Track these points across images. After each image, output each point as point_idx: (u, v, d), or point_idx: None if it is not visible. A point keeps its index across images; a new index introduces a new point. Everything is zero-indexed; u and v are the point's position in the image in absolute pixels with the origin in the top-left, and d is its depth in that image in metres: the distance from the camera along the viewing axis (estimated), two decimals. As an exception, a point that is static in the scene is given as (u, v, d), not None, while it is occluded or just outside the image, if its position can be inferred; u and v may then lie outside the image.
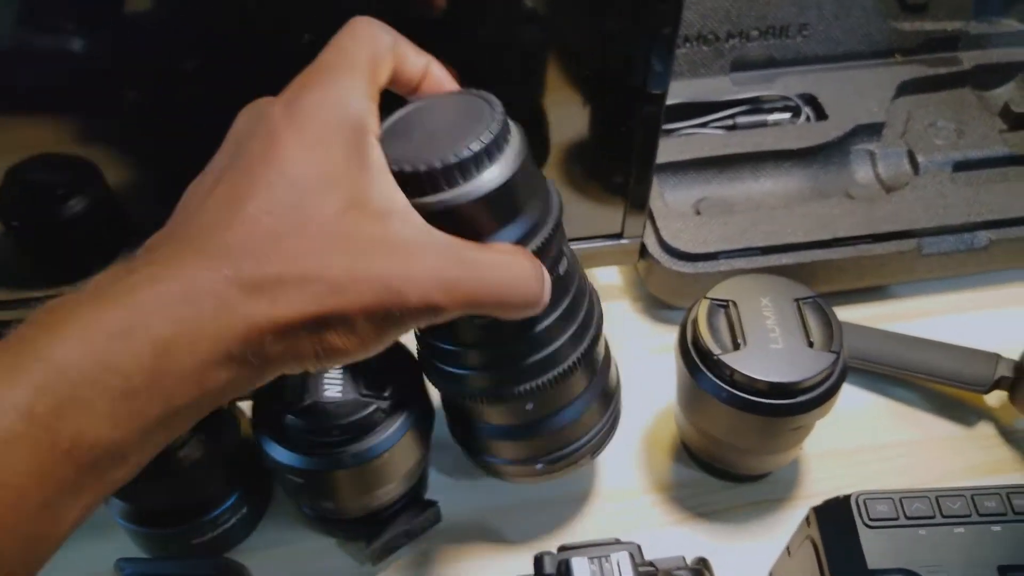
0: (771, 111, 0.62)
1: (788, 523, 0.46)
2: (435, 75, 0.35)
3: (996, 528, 0.37)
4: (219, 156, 0.31)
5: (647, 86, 0.46)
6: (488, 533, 0.48)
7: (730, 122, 0.62)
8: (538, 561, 0.38)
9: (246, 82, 0.43)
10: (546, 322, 0.38)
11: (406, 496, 0.46)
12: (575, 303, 0.39)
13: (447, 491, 0.50)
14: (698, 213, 0.59)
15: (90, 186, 0.46)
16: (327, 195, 0.28)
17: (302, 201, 0.28)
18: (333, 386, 0.41)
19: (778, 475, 0.50)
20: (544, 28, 0.44)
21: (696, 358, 0.44)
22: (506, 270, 0.32)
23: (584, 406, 0.44)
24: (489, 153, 0.32)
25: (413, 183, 0.31)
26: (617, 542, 0.39)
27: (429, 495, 0.49)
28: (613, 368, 0.47)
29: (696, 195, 0.60)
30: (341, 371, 0.42)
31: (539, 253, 0.34)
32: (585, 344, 0.40)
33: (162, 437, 0.27)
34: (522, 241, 0.34)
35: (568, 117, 0.48)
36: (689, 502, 0.49)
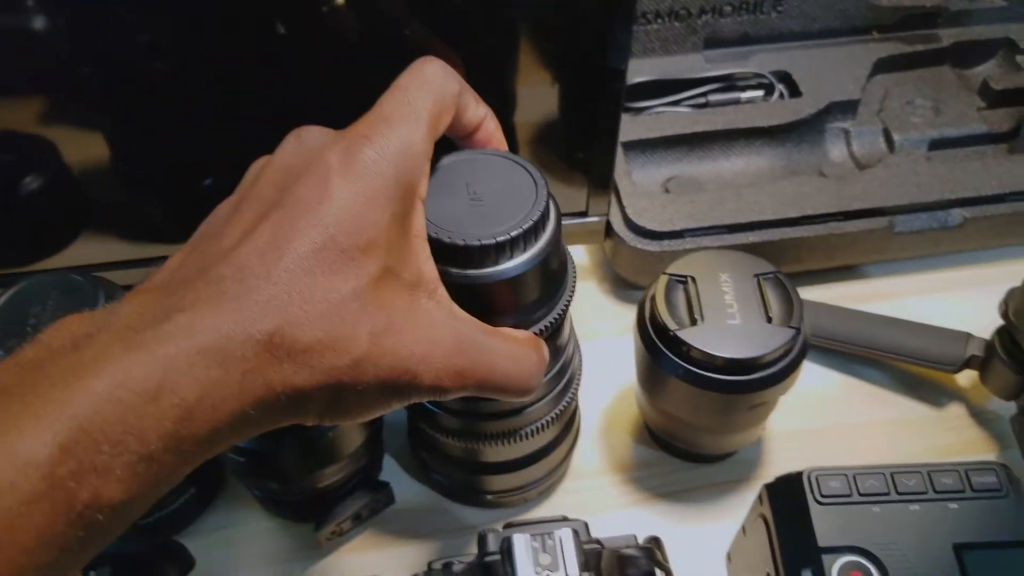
0: (744, 88, 0.61)
1: (750, 504, 0.45)
2: (488, 128, 0.35)
3: (953, 505, 0.36)
4: (262, 184, 0.29)
5: (607, 61, 0.45)
6: (442, 515, 0.47)
7: (702, 100, 0.61)
8: (482, 538, 0.37)
9: (206, 59, 0.43)
10: None
11: (357, 477, 0.45)
12: (563, 367, 0.41)
13: (402, 472, 0.49)
14: (667, 192, 0.58)
15: (47, 164, 0.46)
16: (366, 260, 0.28)
17: (342, 264, 0.27)
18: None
19: (742, 455, 0.49)
20: (503, 3, 0.43)
21: (653, 335, 0.43)
22: (514, 362, 0.32)
23: (545, 454, 0.45)
24: (526, 239, 0.32)
25: (445, 252, 0.31)
26: (564, 519, 0.38)
27: (384, 477, 0.48)
28: (578, 417, 0.47)
29: (665, 174, 0.59)
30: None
31: (546, 330, 0.35)
32: (562, 404, 0.42)
33: (164, 490, 0.26)
34: (533, 320, 0.35)
35: (529, 93, 0.47)
36: (651, 482, 0.48)
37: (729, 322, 0.41)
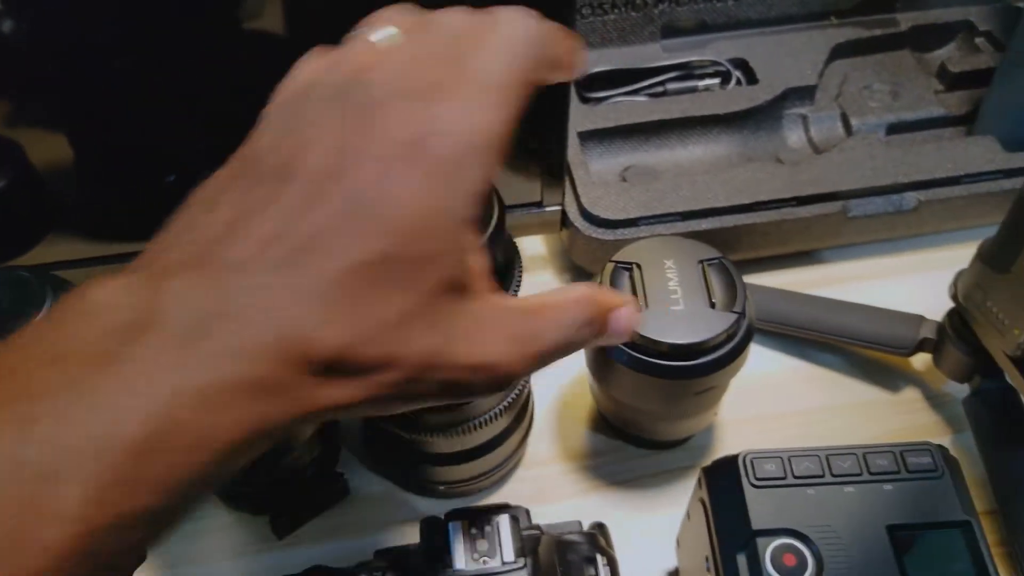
0: (702, 77, 0.61)
1: (700, 490, 0.45)
2: None
3: (887, 487, 0.36)
4: (314, 156, 0.24)
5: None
6: (397, 505, 0.48)
7: (660, 89, 0.61)
8: (423, 526, 0.38)
9: (172, 58, 0.43)
10: None
11: (312, 469, 0.45)
12: None
13: (357, 464, 0.49)
14: (624, 181, 0.58)
15: (13, 165, 0.46)
16: (429, 273, 0.24)
17: (402, 277, 0.24)
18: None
19: (698, 442, 0.49)
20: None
21: (599, 322, 0.43)
22: (563, 332, 0.28)
23: (497, 444, 0.45)
24: None
25: None
26: (506, 506, 0.38)
27: (339, 468, 0.48)
28: (531, 406, 0.48)
29: (623, 163, 0.59)
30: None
31: None
32: (513, 394, 0.42)
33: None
34: None
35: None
36: (605, 470, 0.49)
37: (673, 308, 0.41)
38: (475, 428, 0.42)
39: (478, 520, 0.36)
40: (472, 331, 0.26)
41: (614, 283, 0.43)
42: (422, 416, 0.41)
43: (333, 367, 0.23)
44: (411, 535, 0.46)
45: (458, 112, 0.25)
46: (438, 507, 0.47)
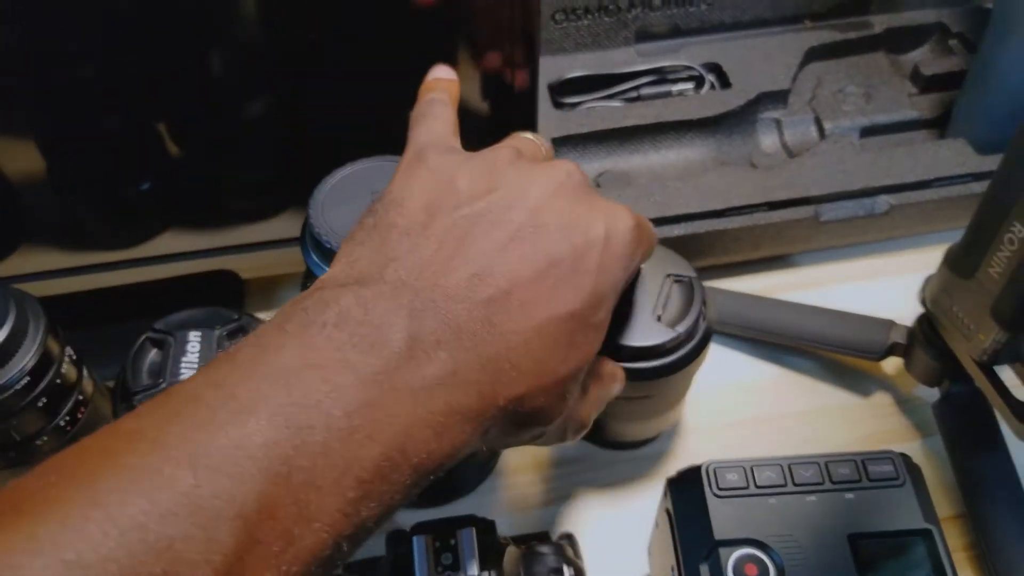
0: (675, 81, 0.61)
1: (670, 497, 0.45)
2: None
3: (849, 496, 0.36)
4: (546, 214, 0.29)
5: (517, 52, 0.45)
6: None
7: (634, 94, 0.61)
8: (389, 540, 0.38)
9: (140, 72, 0.43)
10: None
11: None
12: None
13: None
14: (598, 187, 0.58)
15: None
16: (598, 336, 0.30)
17: (581, 337, 0.29)
18: (189, 370, 0.41)
19: (671, 448, 0.50)
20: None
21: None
22: (610, 391, 0.35)
23: (469, 456, 0.44)
24: None
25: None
26: (471, 519, 0.38)
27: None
28: None
29: (597, 169, 0.59)
30: (197, 355, 0.41)
31: None
32: None
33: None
34: None
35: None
36: (580, 477, 0.49)
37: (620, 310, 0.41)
38: None
39: (443, 533, 0.36)
40: (586, 390, 0.32)
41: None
42: None
43: (511, 411, 0.27)
44: (379, 547, 0.46)
45: (627, 221, 0.31)
46: (406, 517, 0.47)
